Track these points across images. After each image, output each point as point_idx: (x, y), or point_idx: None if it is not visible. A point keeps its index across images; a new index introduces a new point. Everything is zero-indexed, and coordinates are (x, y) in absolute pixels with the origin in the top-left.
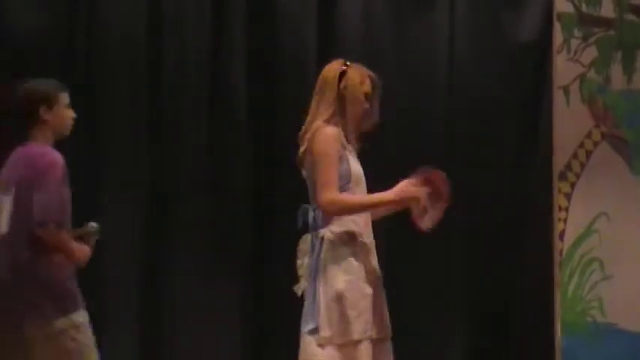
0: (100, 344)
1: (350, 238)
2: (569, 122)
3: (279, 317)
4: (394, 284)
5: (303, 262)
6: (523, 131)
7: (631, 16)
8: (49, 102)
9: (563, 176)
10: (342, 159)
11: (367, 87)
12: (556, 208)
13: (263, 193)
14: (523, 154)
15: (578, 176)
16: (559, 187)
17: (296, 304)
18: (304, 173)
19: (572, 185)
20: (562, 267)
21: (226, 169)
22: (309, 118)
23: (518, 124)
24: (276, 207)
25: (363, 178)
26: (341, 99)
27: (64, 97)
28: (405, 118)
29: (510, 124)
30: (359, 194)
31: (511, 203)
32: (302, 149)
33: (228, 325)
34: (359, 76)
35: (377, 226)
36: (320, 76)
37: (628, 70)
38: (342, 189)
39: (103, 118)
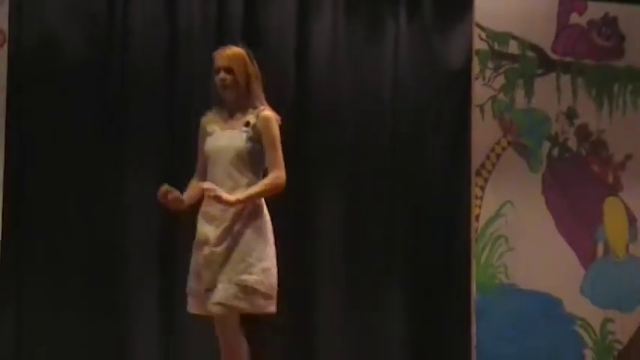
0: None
1: None
2: (484, 132)
3: None
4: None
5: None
6: (451, 139)
7: (531, 53)
8: None
9: (478, 173)
10: (201, 142)
11: (215, 64)
12: (473, 197)
13: None
14: (450, 155)
15: (490, 173)
16: (475, 181)
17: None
18: None
19: (486, 180)
20: (477, 242)
21: None
22: None
23: (448, 133)
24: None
25: (216, 152)
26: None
27: None
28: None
29: (442, 133)
30: (213, 169)
31: (441, 193)
32: None
33: None
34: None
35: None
36: None
37: (528, 93)
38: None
39: (128, 128)
